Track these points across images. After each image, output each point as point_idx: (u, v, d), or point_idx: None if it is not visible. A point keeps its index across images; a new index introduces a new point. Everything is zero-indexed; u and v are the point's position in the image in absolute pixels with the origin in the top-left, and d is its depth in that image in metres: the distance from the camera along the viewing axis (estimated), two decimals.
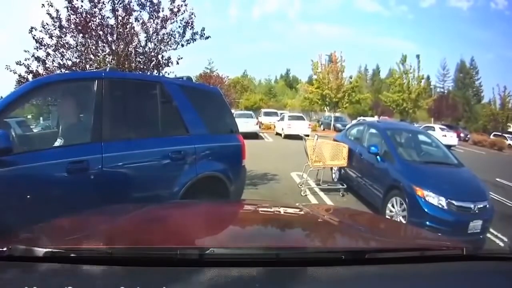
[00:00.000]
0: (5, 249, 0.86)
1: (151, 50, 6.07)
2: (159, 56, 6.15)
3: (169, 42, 6.06)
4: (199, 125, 3.03)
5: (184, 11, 5.98)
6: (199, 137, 3.00)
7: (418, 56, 30.13)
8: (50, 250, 0.87)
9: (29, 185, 2.15)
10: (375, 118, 21.82)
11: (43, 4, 5.39)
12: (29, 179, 2.16)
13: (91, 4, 5.57)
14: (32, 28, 5.43)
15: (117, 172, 2.47)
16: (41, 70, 5.52)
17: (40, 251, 0.88)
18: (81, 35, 5.53)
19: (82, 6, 5.57)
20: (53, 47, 5.49)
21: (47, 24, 5.48)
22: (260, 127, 19.03)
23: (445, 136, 18.97)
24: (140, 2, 5.87)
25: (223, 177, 3.09)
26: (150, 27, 5.94)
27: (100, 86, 2.50)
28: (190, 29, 6.04)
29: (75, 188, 2.30)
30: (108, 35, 5.70)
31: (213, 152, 3.10)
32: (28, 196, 2.10)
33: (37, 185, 2.18)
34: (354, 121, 16.74)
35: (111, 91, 2.56)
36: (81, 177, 2.30)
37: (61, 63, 5.60)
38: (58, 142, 2.40)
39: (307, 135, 9.54)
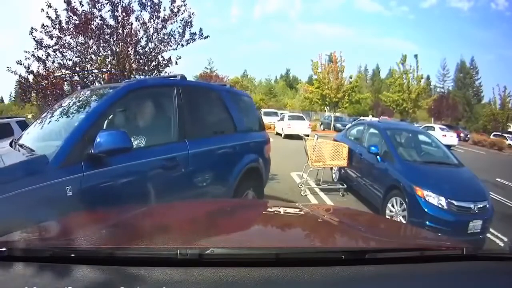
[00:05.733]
0: (5, 249, 0.86)
1: (151, 50, 6.08)
2: (159, 57, 6.15)
3: (169, 42, 6.07)
4: (242, 124, 3.59)
5: (184, 11, 5.99)
6: (244, 134, 3.61)
7: (416, 56, 30.22)
8: (50, 250, 0.87)
9: (140, 178, 2.48)
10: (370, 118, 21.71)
11: (42, 9, 5.39)
12: (140, 172, 2.48)
13: (90, 5, 5.57)
14: (32, 29, 5.43)
15: (198, 164, 2.89)
16: (41, 70, 5.52)
17: (40, 251, 0.88)
18: (81, 35, 5.53)
19: (82, 6, 5.57)
20: (53, 48, 5.49)
21: (47, 26, 5.47)
22: None
23: (445, 136, 18.97)
24: (140, 2, 5.88)
25: (260, 166, 3.74)
26: (151, 27, 5.95)
27: (178, 91, 2.88)
28: (190, 28, 6.05)
29: (172, 179, 2.69)
30: (108, 35, 5.70)
31: (253, 146, 3.71)
32: (140, 186, 2.45)
33: (144, 177, 2.51)
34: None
35: (186, 95, 2.94)
36: (175, 170, 2.69)
37: (62, 63, 5.60)
38: (153, 141, 2.69)
39: (307, 135, 9.54)
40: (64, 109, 2.83)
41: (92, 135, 2.15)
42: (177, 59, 6.23)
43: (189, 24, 6.05)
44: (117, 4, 5.72)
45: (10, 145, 2.62)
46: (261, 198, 3.85)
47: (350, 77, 27.70)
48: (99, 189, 2.18)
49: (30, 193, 1.82)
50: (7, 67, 5.29)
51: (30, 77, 5.56)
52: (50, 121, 2.79)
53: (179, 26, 6.07)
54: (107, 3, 5.66)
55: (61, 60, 5.58)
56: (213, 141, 3.15)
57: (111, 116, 2.51)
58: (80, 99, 2.91)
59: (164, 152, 2.63)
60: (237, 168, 3.32)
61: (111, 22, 5.74)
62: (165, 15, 5.96)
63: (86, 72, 5.86)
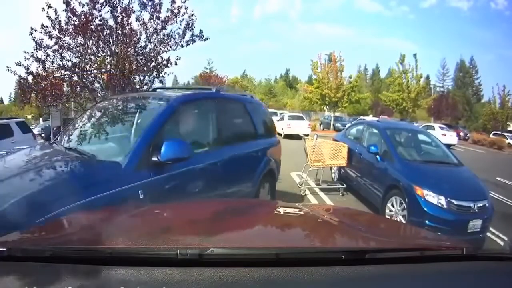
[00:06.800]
0: (5, 249, 0.86)
1: (151, 50, 6.07)
2: (159, 57, 6.15)
3: (169, 43, 6.06)
4: (262, 131, 4.03)
5: (184, 12, 5.99)
6: (263, 139, 4.02)
7: (415, 55, 30.25)
8: (50, 250, 0.87)
9: (193, 181, 2.81)
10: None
11: (43, 8, 5.39)
12: (193, 176, 2.79)
13: (89, 6, 5.56)
14: (32, 29, 5.42)
15: (233, 167, 3.24)
16: (41, 71, 5.52)
17: (40, 251, 0.88)
18: (80, 36, 5.52)
19: (82, 6, 5.57)
20: (53, 48, 5.48)
21: (47, 26, 5.46)
22: None
23: (445, 135, 18.98)
24: (141, 3, 5.87)
25: (274, 167, 4.13)
26: (150, 27, 5.95)
27: (216, 103, 3.30)
28: (190, 30, 6.05)
29: (215, 180, 3.01)
30: (108, 36, 5.69)
31: (269, 150, 4.10)
32: (193, 188, 2.77)
33: (196, 180, 2.84)
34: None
35: (222, 107, 3.37)
36: (218, 173, 3.05)
37: (61, 64, 5.59)
38: (200, 148, 2.99)
39: (307, 135, 9.54)
40: (108, 114, 3.04)
41: (156, 143, 2.40)
42: (177, 59, 6.23)
43: (190, 26, 6.04)
44: (117, 5, 5.71)
45: (51, 145, 2.79)
46: (273, 195, 4.12)
47: (350, 77, 27.70)
48: (162, 192, 2.43)
49: (111, 196, 2.01)
50: (7, 67, 5.29)
51: (30, 78, 5.56)
52: (95, 126, 2.92)
53: (179, 28, 6.07)
54: (106, 4, 5.66)
55: (61, 60, 5.57)
56: (243, 147, 3.55)
57: (168, 125, 2.72)
58: (125, 105, 3.16)
59: (210, 157, 2.99)
60: (259, 170, 3.74)
61: (111, 22, 5.74)
62: (165, 16, 5.96)
63: (85, 73, 5.85)
